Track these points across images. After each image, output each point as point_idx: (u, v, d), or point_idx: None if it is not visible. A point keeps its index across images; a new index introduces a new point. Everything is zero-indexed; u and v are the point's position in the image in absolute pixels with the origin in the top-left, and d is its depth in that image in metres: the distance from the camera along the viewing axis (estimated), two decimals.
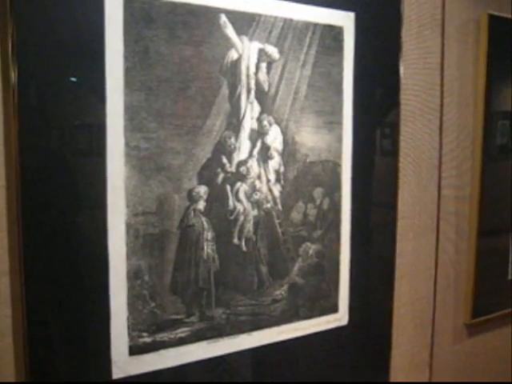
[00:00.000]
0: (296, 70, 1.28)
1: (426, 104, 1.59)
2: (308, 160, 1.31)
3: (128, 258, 1.06)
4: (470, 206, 1.75)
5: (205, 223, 1.15)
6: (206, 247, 1.16)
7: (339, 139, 1.37)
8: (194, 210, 1.13)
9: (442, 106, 1.62)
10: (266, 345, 1.29)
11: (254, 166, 1.22)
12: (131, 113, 1.05)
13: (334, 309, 1.41)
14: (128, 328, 1.08)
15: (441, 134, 1.64)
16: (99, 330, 1.05)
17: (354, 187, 1.41)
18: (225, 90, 1.17)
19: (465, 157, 1.72)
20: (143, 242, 1.08)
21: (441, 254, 1.70)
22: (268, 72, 1.23)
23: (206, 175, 1.15)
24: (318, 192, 1.33)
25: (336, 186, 1.38)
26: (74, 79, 1.00)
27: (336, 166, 1.37)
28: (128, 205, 1.06)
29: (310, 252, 1.34)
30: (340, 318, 1.43)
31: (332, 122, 1.35)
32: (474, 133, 1.71)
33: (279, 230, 1.28)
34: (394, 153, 1.51)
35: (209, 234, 1.16)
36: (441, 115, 1.63)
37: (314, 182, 1.33)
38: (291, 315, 1.33)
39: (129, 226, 1.06)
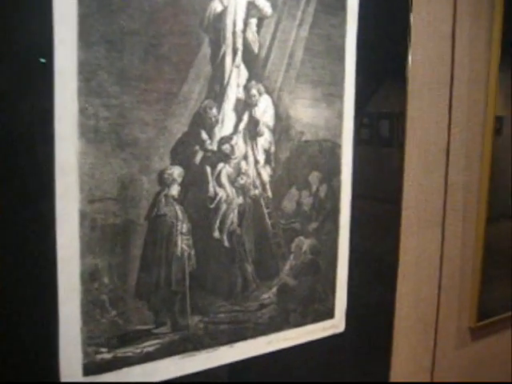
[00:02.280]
0: (291, 30, 1.08)
1: (435, 77, 1.41)
2: (303, 138, 1.11)
3: (82, 255, 0.86)
4: (478, 195, 1.56)
5: (179, 213, 0.95)
6: (180, 242, 0.95)
7: (339, 115, 1.17)
8: (166, 196, 0.93)
9: (452, 80, 1.44)
10: (252, 358, 1.09)
11: (239, 143, 1.01)
12: (87, 72, 0.84)
13: (329, 314, 1.23)
14: (82, 342, 0.88)
15: (450, 112, 1.45)
16: (44, 345, 0.85)
17: (356, 172, 1.22)
18: (206, 49, 0.96)
19: (475, 139, 1.54)
20: (101, 235, 0.87)
21: (446, 251, 1.53)
22: (258, 30, 1.03)
23: (182, 154, 0.94)
24: (314, 177, 1.14)
25: (335, 171, 1.19)
26: (10, 23, 0.77)
27: (335, 147, 1.18)
28: (82, 189, 0.85)
29: (304, 248, 1.14)
30: (336, 324, 1.24)
31: (332, 94, 1.16)
32: (486, 111, 1.52)
33: (268, 222, 1.08)
34: (399, 133, 1.32)
35: (184, 226, 0.96)
36: (450, 91, 1.44)
37: (310, 165, 1.13)
38: (281, 322, 1.14)
39: (83, 216, 0.85)
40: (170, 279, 0.97)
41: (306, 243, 1.16)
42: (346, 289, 1.26)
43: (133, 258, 0.92)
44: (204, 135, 0.98)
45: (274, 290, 1.12)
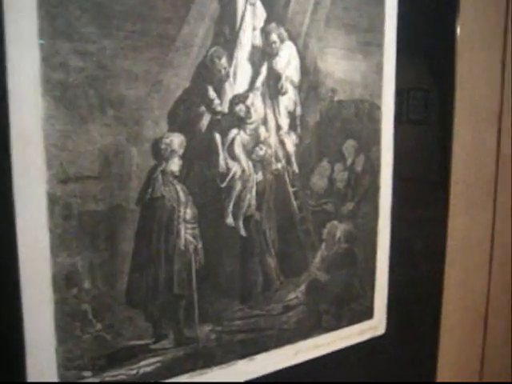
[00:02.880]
0: None
1: (487, 25, 1.16)
2: (336, 98, 0.91)
3: (53, 253, 0.65)
4: None
5: (181, 194, 0.74)
6: (183, 232, 0.74)
7: (379, 69, 0.97)
8: (164, 172, 0.71)
9: (505, 29, 1.20)
10: (276, 372, 0.88)
11: (257, 103, 0.80)
12: (51, 6, 0.61)
13: (368, 314, 1.04)
14: (58, 366, 0.68)
15: (503, 69, 1.22)
16: (8, 372, 0.63)
17: (398, 140, 0.99)
18: None
19: None
20: (79, 225, 0.66)
21: (497, 232, 1.31)
22: None
23: (183, 117, 0.73)
24: (349, 146, 0.94)
25: (374, 139, 0.99)
26: None
27: (374, 109, 0.98)
28: (50, 165, 0.63)
29: (338, 235, 0.94)
30: (376, 325, 1.04)
31: (369, 42, 0.95)
32: None
33: (294, 204, 0.88)
34: (448, 91, 1.09)
35: (187, 212, 0.74)
36: (504, 43, 1.21)
37: (344, 132, 0.93)
38: (311, 327, 0.94)
39: (53, 200, 0.64)
40: (171, 280, 0.76)
41: (339, 229, 0.95)
42: (387, 283, 1.04)
43: (122, 255, 0.71)
44: (211, 93, 0.76)
45: (303, 287, 0.92)
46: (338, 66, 0.90)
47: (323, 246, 0.93)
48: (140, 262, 0.72)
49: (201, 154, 0.77)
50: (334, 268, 0.96)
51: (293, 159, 0.87)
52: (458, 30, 1.11)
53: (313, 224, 0.91)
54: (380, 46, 0.96)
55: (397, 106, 1.00)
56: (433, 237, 1.15)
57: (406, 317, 1.09)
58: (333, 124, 0.91)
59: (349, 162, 0.94)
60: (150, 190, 0.72)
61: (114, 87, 0.67)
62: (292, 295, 0.90)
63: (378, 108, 0.97)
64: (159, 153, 0.72)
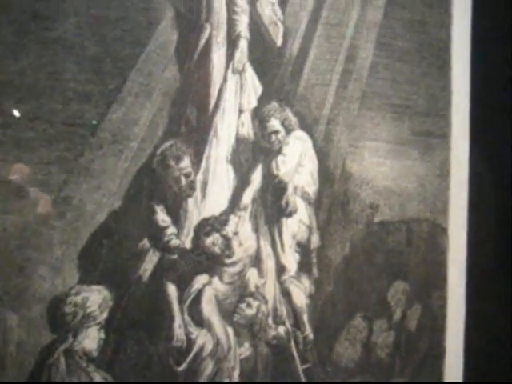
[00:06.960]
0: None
1: None
2: (377, 218, 0.73)
3: None
4: None
5: None
6: None
7: (444, 172, 0.77)
8: (70, 353, 0.51)
9: None
10: None
11: (243, 232, 0.61)
12: None
13: None
14: None
15: None
16: None
17: (474, 280, 0.75)
18: None
19: None
20: None
21: None
22: None
23: (107, 258, 0.47)
24: (397, 292, 0.73)
25: (436, 279, 0.74)
26: None
27: (437, 232, 0.77)
28: None
29: None
30: None
31: (430, 132, 0.76)
32: None
33: None
34: None
35: None
36: None
37: (390, 270, 0.73)
38: None
39: None
40: None
41: None
42: None
43: None
44: (161, 216, 0.52)
45: None
46: (382, 168, 0.67)
47: None
48: None
49: (141, 320, 0.50)
50: None
51: (304, 318, 0.62)
52: None
53: None
54: (445, 136, 0.71)
55: (471, 227, 0.73)
56: None
57: None
58: (371, 259, 0.67)
59: (397, 315, 0.70)
60: None
61: None
62: None
63: (443, 230, 0.73)
64: (62, 320, 0.46)
